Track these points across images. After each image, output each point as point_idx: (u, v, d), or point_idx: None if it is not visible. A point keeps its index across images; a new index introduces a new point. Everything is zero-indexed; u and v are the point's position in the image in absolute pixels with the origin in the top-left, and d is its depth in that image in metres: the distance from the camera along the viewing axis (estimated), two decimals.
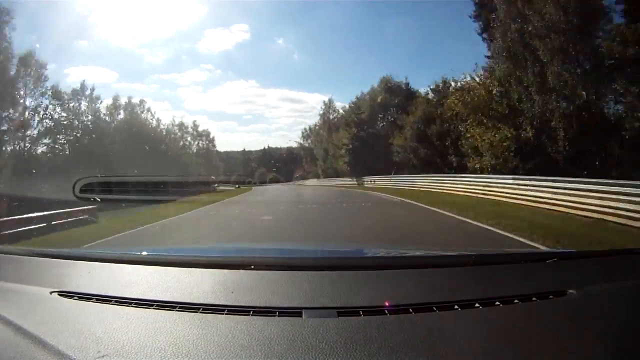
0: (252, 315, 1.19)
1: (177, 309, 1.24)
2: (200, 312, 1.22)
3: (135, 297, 1.33)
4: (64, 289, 1.41)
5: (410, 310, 1.21)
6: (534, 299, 1.32)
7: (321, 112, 42.35)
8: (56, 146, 26.20)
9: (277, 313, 1.20)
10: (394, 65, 47.57)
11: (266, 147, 63.35)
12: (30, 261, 1.88)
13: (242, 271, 1.57)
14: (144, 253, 2.12)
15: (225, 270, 1.59)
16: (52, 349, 1.01)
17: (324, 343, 1.01)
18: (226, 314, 1.21)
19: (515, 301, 1.29)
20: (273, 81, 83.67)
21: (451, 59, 45.62)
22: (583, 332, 1.13)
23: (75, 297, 1.36)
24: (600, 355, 1.02)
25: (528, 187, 12.06)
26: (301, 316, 1.19)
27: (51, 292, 1.39)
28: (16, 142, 23.56)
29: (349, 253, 2.59)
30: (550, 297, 1.34)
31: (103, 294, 1.36)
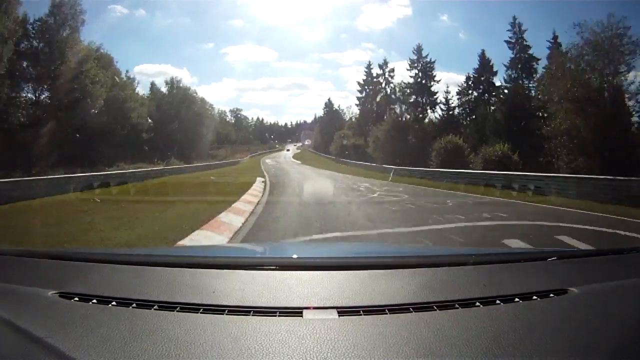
0: (252, 315, 1.20)
1: (177, 309, 1.24)
2: (201, 313, 1.22)
3: (136, 298, 1.32)
4: (64, 290, 1.40)
5: (411, 309, 1.21)
6: (534, 297, 1.31)
7: None
8: None
9: (277, 313, 1.20)
10: None
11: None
12: (29, 262, 1.86)
13: (242, 271, 1.58)
14: (145, 254, 2.13)
15: (226, 271, 1.59)
16: (51, 350, 1.01)
17: (324, 343, 1.02)
18: (226, 314, 1.21)
19: (516, 300, 1.29)
20: (439, 63, 77.63)
21: None
22: (584, 331, 1.13)
23: (75, 298, 1.35)
24: (602, 354, 1.01)
25: None
26: (301, 316, 1.19)
27: (51, 293, 1.38)
28: None
29: (349, 253, 2.59)
30: (551, 295, 1.33)
31: (103, 294, 1.35)
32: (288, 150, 67.82)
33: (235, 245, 5.28)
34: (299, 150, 66.55)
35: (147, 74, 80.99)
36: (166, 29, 59.87)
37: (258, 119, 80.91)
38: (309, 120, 76.28)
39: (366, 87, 50.60)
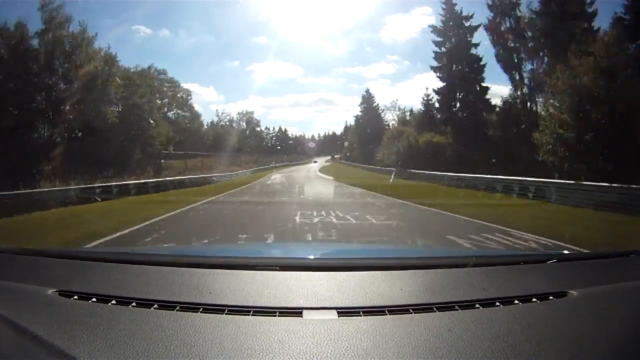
0: (252, 315, 1.20)
1: (177, 309, 1.24)
2: (201, 312, 1.22)
3: (136, 296, 1.32)
4: (64, 289, 1.39)
5: (411, 310, 1.22)
6: (534, 300, 1.31)
7: None
8: None
9: (277, 313, 1.21)
10: None
11: None
12: (29, 260, 1.87)
13: (242, 271, 1.58)
14: (145, 253, 2.14)
15: (226, 271, 1.59)
16: (51, 348, 1.00)
17: (324, 343, 1.02)
18: (226, 314, 1.21)
19: (516, 302, 1.29)
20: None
21: None
22: (583, 334, 1.12)
23: (74, 297, 1.35)
24: (602, 357, 1.01)
25: None
26: (301, 316, 1.19)
27: (50, 292, 1.38)
28: None
29: (349, 253, 2.60)
30: (550, 298, 1.33)
31: (103, 293, 1.35)
32: (315, 162, 61.44)
33: (236, 245, 5.27)
34: (328, 163, 58.61)
35: None
36: (190, 48, 59.39)
37: (280, 129, 71.85)
38: (338, 132, 70.08)
39: (450, 34, 27.70)
